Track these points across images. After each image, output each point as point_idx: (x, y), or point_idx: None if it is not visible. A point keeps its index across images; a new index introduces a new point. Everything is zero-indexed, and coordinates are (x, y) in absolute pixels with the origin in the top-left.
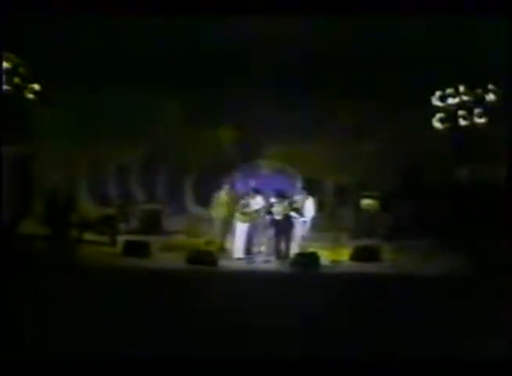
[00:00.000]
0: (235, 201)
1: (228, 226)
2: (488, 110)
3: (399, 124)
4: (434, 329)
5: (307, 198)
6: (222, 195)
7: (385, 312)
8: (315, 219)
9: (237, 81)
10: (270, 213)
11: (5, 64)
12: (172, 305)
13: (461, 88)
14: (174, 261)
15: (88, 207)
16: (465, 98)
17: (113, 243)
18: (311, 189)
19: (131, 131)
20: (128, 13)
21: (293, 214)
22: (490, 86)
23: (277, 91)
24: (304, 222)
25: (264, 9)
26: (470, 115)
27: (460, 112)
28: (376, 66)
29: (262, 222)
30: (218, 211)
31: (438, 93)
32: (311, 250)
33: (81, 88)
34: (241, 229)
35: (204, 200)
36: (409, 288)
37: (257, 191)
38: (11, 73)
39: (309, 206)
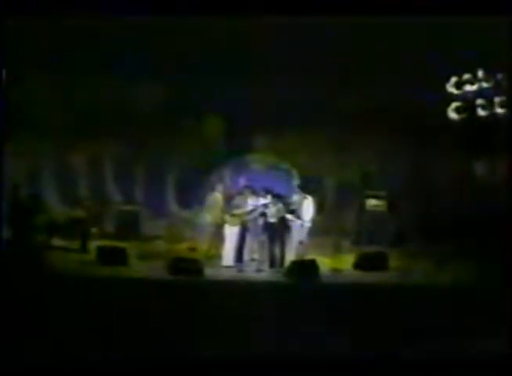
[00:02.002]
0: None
1: (217, 231)
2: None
3: (409, 114)
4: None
5: (305, 198)
6: (216, 195)
7: (391, 326)
8: (314, 222)
9: (224, 67)
10: (263, 215)
11: None
12: (152, 318)
13: (480, 74)
14: (154, 269)
15: (56, 209)
16: (484, 85)
17: (85, 249)
18: (309, 187)
19: (106, 122)
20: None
21: (289, 216)
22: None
23: (270, 76)
24: (302, 225)
25: (264, 9)
26: (490, 105)
27: (479, 101)
28: (382, 53)
29: (254, 226)
30: (210, 214)
31: (453, 79)
32: (309, 257)
33: (50, 76)
34: (230, 233)
35: (188, 200)
36: (419, 300)
37: (248, 190)
38: None
39: (308, 207)
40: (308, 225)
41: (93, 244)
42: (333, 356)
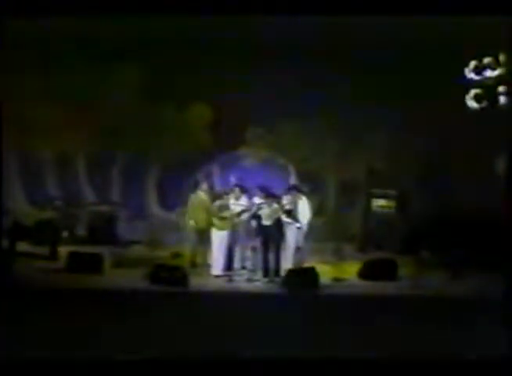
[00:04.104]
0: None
1: (204, 235)
2: None
3: (422, 102)
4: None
5: (299, 199)
6: (200, 195)
7: (402, 342)
8: (312, 225)
9: (212, 49)
10: (256, 217)
11: None
12: (129, 334)
13: (501, 58)
14: (132, 278)
15: (22, 210)
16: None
17: (54, 255)
18: (308, 186)
19: (77, 111)
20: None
21: (284, 218)
22: None
23: (264, 58)
24: (300, 228)
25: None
26: None
27: (501, 88)
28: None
29: (246, 230)
30: (193, 216)
31: (473, 63)
32: (308, 265)
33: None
34: (219, 238)
35: (171, 200)
36: (432, 313)
37: (238, 189)
38: None
39: (303, 209)
40: (304, 229)
41: (64, 250)
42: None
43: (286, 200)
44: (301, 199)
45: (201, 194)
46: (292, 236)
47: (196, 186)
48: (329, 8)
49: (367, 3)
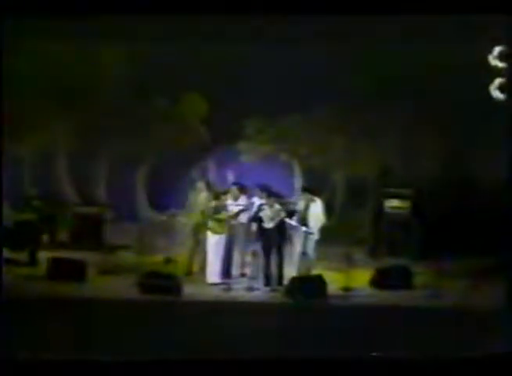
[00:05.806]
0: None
1: (199, 239)
2: None
3: (440, 90)
4: None
5: (312, 201)
6: (202, 196)
7: (417, 357)
8: (320, 229)
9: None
10: (256, 219)
11: None
12: (116, 347)
13: None
14: (120, 287)
15: None
16: None
17: (34, 261)
18: (314, 185)
19: (58, 100)
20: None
21: (289, 220)
22: None
23: (265, 44)
24: (311, 233)
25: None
26: None
27: None
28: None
29: (245, 233)
30: (193, 217)
31: (497, 49)
32: (314, 272)
33: None
34: (215, 242)
35: (162, 201)
36: (453, 325)
37: (236, 188)
38: None
39: (316, 213)
40: (315, 235)
41: (44, 255)
42: None
43: (294, 198)
44: (314, 201)
45: (197, 194)
46: (297, 240)
47: (194, 186)
48: (329, 8)
49: (368, 3)
